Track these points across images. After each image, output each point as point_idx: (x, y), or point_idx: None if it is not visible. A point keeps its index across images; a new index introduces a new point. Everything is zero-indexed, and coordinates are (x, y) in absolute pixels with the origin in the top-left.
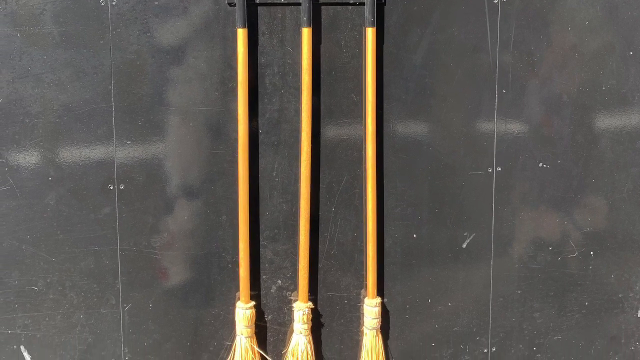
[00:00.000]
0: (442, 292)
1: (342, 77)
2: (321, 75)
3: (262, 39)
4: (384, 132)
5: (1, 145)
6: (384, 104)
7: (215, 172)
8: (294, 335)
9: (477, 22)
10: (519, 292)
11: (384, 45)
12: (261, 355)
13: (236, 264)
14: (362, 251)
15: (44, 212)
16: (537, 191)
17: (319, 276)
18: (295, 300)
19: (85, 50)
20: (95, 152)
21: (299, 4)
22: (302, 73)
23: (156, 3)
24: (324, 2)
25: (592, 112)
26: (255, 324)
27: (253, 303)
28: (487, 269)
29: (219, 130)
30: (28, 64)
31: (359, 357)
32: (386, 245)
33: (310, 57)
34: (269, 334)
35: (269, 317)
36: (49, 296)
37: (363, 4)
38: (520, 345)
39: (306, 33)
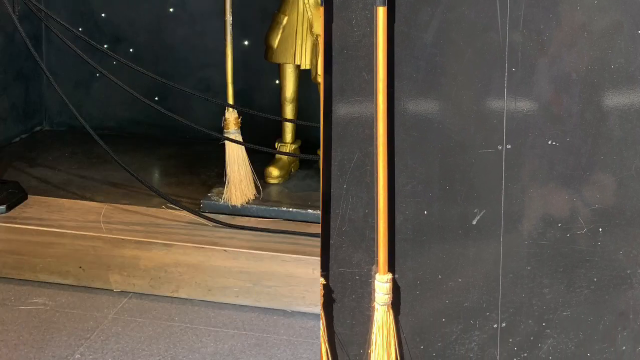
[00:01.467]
0: (453, 268)
1: (354, 55)
2: (333, 54)
3: None
4: (395, 110)
5: None
6: (395, 83)
7: None
8: None
9: (487, 1)
10: (529, 268)
11: (395, 24)
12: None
13: None
14: (373, 228)
15: None
16: (546, 168)
17: (330, 252)
18: None
19: None
20: None
21: None
22: None
23: None
24: None
25: (600, 90)
26: None
27: None
28: (497, 245)
29: None
30: None
31: (370, 332)
32: (397, 221)
33: (323, 36)
34: None
35: None
36: None
37: None
38: (530, 321)
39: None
